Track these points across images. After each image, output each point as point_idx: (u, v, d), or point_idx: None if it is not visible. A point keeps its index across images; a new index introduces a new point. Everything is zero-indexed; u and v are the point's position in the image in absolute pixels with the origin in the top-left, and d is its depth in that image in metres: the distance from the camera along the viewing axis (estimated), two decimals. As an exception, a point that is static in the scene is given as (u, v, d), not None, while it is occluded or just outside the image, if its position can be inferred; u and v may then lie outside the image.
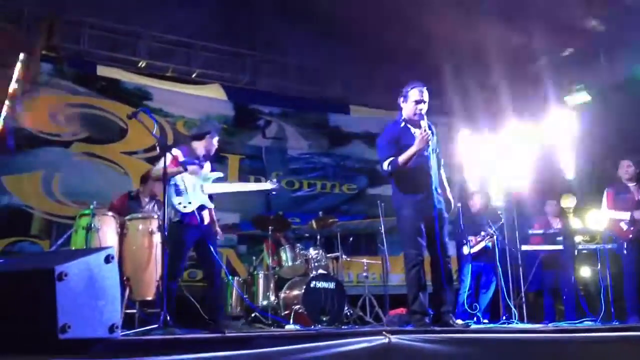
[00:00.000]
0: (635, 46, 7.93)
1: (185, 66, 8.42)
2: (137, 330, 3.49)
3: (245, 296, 6.74)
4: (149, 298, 5.01)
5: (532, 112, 9.36)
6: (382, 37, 8.86)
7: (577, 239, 7.42)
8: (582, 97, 8.74)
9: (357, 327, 6.31)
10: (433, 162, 4.60)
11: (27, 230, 7.13)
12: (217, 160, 8.39)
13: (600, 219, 7.81)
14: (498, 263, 6.71)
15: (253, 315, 6.78)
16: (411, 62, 9.36)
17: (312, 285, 6.48)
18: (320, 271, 6.81)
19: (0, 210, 7.02)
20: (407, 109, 4.64)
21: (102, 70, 7.89)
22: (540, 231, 7.42)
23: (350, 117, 9.74)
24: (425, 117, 4.54)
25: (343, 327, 6.21)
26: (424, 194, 4.50)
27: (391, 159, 4.49)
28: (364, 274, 7.64)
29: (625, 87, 8.15)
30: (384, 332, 3.47)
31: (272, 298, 6.89)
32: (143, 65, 8.08)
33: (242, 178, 8.69)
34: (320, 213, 7.36)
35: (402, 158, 4.45)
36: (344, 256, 7.46)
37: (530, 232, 7.56)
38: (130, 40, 8.05)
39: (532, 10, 7.65)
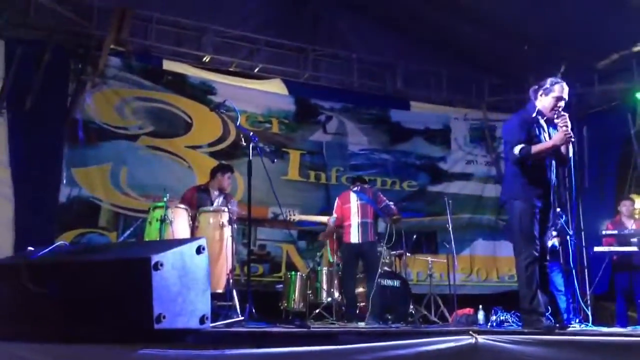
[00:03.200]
0: None
1: (248, 61, 8.42)
2: (225, 322, 3.46)
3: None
4: (219, 291, 5.01)
5: (599, 110, 9.05)
6: (444, 33, 8.71)
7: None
8: (653, 93, 8.38)
9: (441, 326, 6.18)
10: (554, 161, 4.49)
11: (95, 222, 7.25)
12: (279, 155, 8.44)
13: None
14: (571, 264, 6.47)
15: (317, 311, 6.75)
16: (474, 59, 9.21)
17: (377, 282, 6.39)
18: (386, 269, 6.72)
19: (70, 202, 7.14)
20: (545, 102, 4.42)
21: (168, 65, 7.95)
22: (614, 232, 7.13)
23: (411, 113, 9.56)
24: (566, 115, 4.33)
25: (408, 325, 6.10)
26: (544, 190, 4.36)
27: (523, 145, 4.28)
28: (429, 272, 7.51)
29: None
30: (470, 332, 3.38)
31: (336, 295, 6.84)
32: (207, 60, 8.12)
33: (303, 173, 8.66)
34: (388, 203, 7.22)
35: (537, 148, 4.26)
36: (407, 254, 7.35)
37: (603, 232, 7.28)
38: (195, 35, 8.09)
39: (601, 4, 7.34)
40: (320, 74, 8.97)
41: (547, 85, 4.43)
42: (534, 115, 4.45)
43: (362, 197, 6.67)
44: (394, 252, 7.15)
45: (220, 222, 5.11)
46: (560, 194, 9.14)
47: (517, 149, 4.29)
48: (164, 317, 2.54)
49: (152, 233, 4.92)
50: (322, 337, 3.13)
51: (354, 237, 6.54)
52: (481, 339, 3.34)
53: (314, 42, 8.76)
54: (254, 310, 3.86)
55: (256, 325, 3.73)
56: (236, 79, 8.40)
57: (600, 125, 9.00)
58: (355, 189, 6.75)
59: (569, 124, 4.25)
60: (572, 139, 4.27)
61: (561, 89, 4.39)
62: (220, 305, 4.89)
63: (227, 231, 5.09)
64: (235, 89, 8.30)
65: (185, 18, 7.97)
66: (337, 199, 6.96)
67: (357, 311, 6.37)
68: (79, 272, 2.75)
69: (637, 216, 7.49)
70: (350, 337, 3.14)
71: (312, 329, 3.36)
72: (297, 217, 7.32)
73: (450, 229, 7.12)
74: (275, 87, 8.71)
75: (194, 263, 2.79)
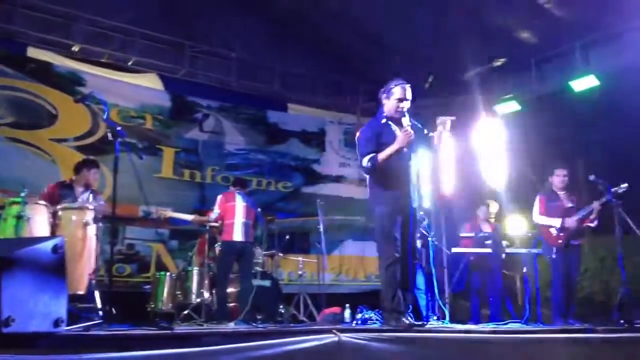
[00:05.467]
0: (564, 58, 8.32)
1: (121, 53, 8.11)
2: (83, 325, 3.32)
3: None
4: (80, 292, 4.78)
5: (462, 119, 9.60)
6: (322, 38, 8.91)
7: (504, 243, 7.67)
8: (512, 106, 9.00)
9: (306, 325, 6.28)
10: (413, 161, 4.60)
11: (-58, 217, 6.65)
12: (152, 152, 8.21)
13: (520, 225, 8.17)
14: (431, 264, 6.82)
15: (186, 312, 6.63)
16: (349, 65, 9.50)
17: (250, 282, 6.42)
18: (257, 269, 6.75)
19: None
20: (389, 105, 4.58)
21: (33, 52, 7.48)
22: (471, 234, 7.63)
23: (288, 115, 9.69)
24: (407, 115, 4.51)
25: (276, 325, 6.17)
26: (402, 192, 4.49)
27: (371, 155, 4.43)
28: (300, 272, 7.63)
29: (553, 98, 8.50)
30: (334, 330, 3.47)
31: (207, 295, 6.77)
32: (77, 50, 7.72)
33: (177, 171, 8.48)
34: (259, 210, 7.28)
35: (382, 155, 4.41)
36: (279, 254, 7.43)
37: (460, 234, 7.77)
38: (64, 22, 7.66)
39: (465, 20, 7.84)
40: (198, 71, 8.84)
41: (389, 88, 4.58)
42: (383, 121, 4.61)
43: (247, 199, 6.90)
44: (266, 252, 7.21)
45: (84, 220, 4.86)
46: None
47: (365, 161, 4.47)
48: (13, 320, 2.40)
49: (6, 230, 4.58)
50: (185, 339, 3.09)
51: (237, 235, 6.64)
52: (344, 337, 3.43)
53: (192, 38, 8.61)
54: (115, 312, 3.73)
55: (118, 328, 3.61)
56: (108, 71, 8.07)
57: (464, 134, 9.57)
58: (239, 191, 6.93)
59: (408, 124, 4.43)
60: (412, 138, 4.40)
61: (401, 90, 4.53)
62: (81, 307, 4.68)
63: (91, 229, 4.86)
64: (106, 81, 7.98)
65: (55, 4, 7.53)
66: (220, 195, 6.99)
67: (227, 311, 6.36)
68: None
69: (492, 220, 8.04)
70: (215, 339, 3.13)
71: (175, 331, 3.30)
72: (168, 214, 7.18)
73: (321, 229, 7.29)
74: (150, 81, 8.47)
75: (50, 263, 2.65)
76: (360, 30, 8.45)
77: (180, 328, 4.34)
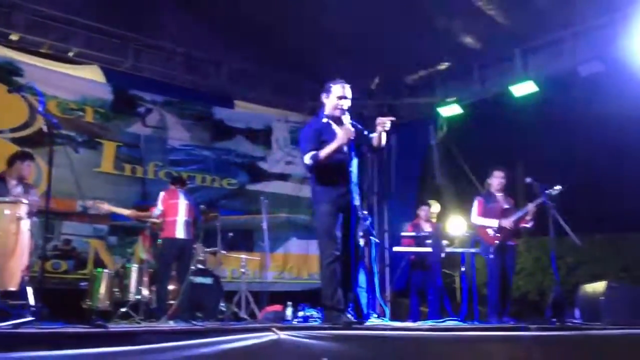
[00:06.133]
0: (505, 64, 8.56)
1: (62, 43, 7.84)
2: (12, 322, 3.20)
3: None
4: (12, 289, 4.62)
5: (405, 121, 9.76)
6: (270, 35, 8.86)
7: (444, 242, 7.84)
8: (454, 109, 9.20)
9: (246, 323, 6.25)
10: (354, 159, 4.64)
11: None
12: (91, 146, 8.01)
13: (459, 225, 8.39)
14: (373, 262, 6.91)
15: (123, 310, 6.50)
16: (297, 64, 9.49)
17: (189, 280, 6.35)
18: (199, 266, 6.69)
19: None
20: (330, 104, 4.66)
21: (-33, 40, 7.17)
22: (412, 233, 7.76)
23: (234, 112, 9.61)
24: (347, 113, 4.58)
25: (217, 323, 6.13)
26: (343, 190, 4.53)
27: (312, 152, 4.48)
28: (242, 270, 7.58)
29: (494, 102, 8.73)
30: (273, 328, 3.47)
31: (146, 292, 6.67)
32: (16, 39, 7.42)
33: (118, 166, 8.29)
34: (203, 206, 7.21)
35: (323, 152, 4.46)
36: (222, 251, 7.37)
37: (402, 233, 7.91)
38: (3, 10, 7.32)
39: (411, 24, 7.95)
40: (143, 64, 8.62)
41: (328, 87, 4.68)
42: (324, 120, 4.68)
43: (189, 198, 7.11)
44: (208, 250, 7.14)
45: (17, 214, 4.69)
46: (367, 196, 9.80)
47: (307, 158, 4.53)
48: None
49: None
50: (121, 337, 3.02)
51: (180, 232, 6.83)
52: (283, 334, 3.42)
53: (136, 31, 8.39)
54: (50, 310, 3.62)
55: (50, 326, 3.51)
56: (48, 62, 7.79)
57: (407, 136, 9.73)
58: (181, 189, 7.10)
59: (348, 122, 4.51)
60: (352, 137, 4.49)
61: (340, 88, 4.64)
62: (12, 304, 4.53)
63: (25, 224, 4.70)
64: (45, 72, 7.71)
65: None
66: (162, 192, 7.06)
67: (167, 308, 6.29)
68: None
69: (433, 220, 8.21)
70: (152, 337, 3.07)
71: (110, 329, 3.23)
72: (105, 207, 7.04)
73: (264, 227, 7.27)
74: (92, 74, 8.23)
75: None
76: (308, 29, 8.43)
77: (116, 326, 4.27)
